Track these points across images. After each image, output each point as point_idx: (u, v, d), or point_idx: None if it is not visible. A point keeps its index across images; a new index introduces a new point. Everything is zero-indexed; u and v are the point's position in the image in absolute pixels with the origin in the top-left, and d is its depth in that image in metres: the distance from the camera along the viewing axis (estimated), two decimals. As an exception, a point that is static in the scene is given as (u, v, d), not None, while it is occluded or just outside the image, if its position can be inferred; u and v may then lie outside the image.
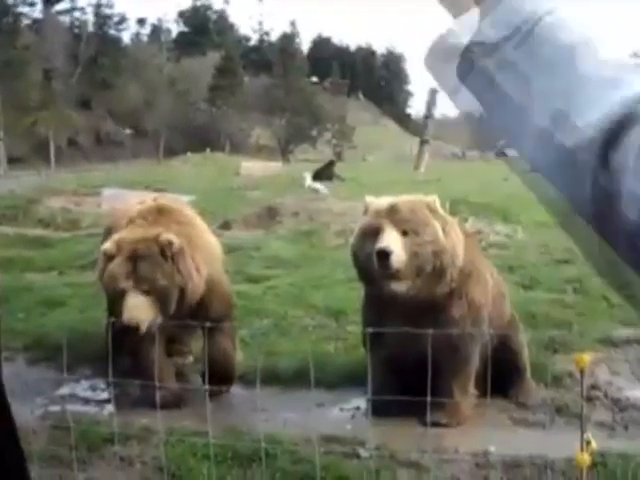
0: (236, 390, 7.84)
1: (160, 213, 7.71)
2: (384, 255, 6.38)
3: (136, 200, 8.79)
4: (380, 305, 6.97)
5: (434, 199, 6.90)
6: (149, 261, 7.09)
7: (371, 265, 6.53)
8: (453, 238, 6.77)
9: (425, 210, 6.76)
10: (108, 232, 8.19)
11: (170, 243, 7.14)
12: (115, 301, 7.20)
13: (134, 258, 7.07)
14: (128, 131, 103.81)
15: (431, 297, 6.72)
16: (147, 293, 7.03)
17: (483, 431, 6.79)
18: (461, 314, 6.93)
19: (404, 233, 6.56)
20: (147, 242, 7.18)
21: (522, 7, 1.18)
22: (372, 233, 6.62)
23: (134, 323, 6.90)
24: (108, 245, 7.22)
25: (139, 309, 6.96)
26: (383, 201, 6.91)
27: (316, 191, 26.67)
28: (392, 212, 6.66)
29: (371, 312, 7.20)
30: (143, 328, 6.94)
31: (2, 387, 1.48)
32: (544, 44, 1.13)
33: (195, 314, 7.21)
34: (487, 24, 1.20)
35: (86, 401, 7.78)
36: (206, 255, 7.62)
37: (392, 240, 6.45)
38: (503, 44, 1.17)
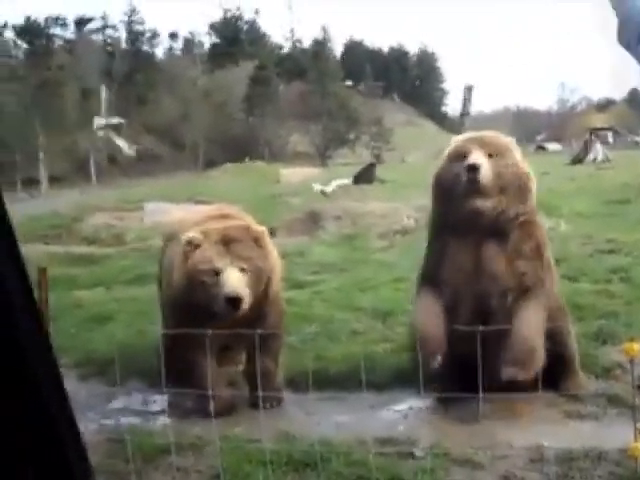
0: (287, 395, 7.85)
1: (226, 217, 7.74)
2: (473, 169, 6.82)
3: (180, 213, 8.82)
4: (452, 230, 7.21)
5: (513, 139, 7.56)
6: (243, 244, 7.12)
7: (457, 185, 6.97)
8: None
9: (506, 140, 7.36)
10: (169, 239, 8.16)
11: (263, 232, 7.31)
12: (202, 287, 7.03)
13: (226, 241, 7.08)
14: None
15: (511, 220, 7.01)
16: (243, 271, 7.02)
17: (535, 425, 6.76)
18: (529, 250, 7.15)
19: (489, 156, 6.98)
20: (238, 229, 7.25)
21: None
22: (460, 155, 7.05)
23: (236, 295, 6.85)
24: (192, 234, 7.14)
25: (240, 283, 6.93)
26: (470, 133, 7.61)
27: (324, 193, 26.66)
28: (478, 139, 7.18)
29: (438, 239, 7.42)
30: (244, 304, 6.93)
31: (66, 397, 1.51)
32: None
33: (250, 324, 7.07)
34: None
35: (139, 413, 7.83)
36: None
37: (480, 158, 6.89)
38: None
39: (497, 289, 7.02)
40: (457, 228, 7.11)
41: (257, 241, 7.24)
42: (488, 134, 7.40)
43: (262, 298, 7.38)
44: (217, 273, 6.94)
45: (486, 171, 6.88)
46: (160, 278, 8.46)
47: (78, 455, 1.45)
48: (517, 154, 7.24)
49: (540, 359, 6.83)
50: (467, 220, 6.99)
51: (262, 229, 7.40)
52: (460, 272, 7.07)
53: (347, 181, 26.42)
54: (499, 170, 6.96)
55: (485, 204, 6.90)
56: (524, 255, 7.09)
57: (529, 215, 7.17)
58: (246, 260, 7.05)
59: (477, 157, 6.91)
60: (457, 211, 7.04)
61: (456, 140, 7.49)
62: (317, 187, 28.43)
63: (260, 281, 7.20)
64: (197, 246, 7.08)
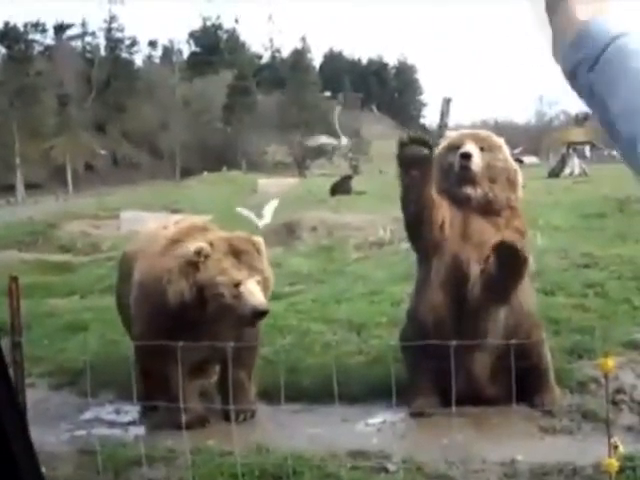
0: (260, 407, 7.82)
1: (203, 230, 7.71)
2: (466, 156, 7.42)
3: (154, 225, 8.75)
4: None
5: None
6: (251, 255, 7.16)
7: (450, 173, 7.55)
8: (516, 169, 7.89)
9: (497, 139, 7.97)
10: (131, 259, 8.06)
11: (262, 243, 7.38)
12: (218, 299, 6.98)
13: (235, 252, 7.07)
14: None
15: (501, 204, 7.60)
16: (258, 283, 7.04)
17: (510, 440, 6.76)
18: (518, 225, 7.73)
19: (481, 149, 7.58)
20: (242, 240, 7.29)
21: (597, 31, 1.33)
22: (455, 146, 7.63)
23: (265, 308, 6.90)
24: (202, 244, 7.05)
25: (262, 295, 6.95)
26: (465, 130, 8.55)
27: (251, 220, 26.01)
28: (472, 134, 7.90)
29: None
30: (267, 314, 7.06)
31: (23, 413, 1.48)
32: (614, 67, 1.23)
33: (227, 337, 7.04)
34: (566, 49, 1.34)
35: (111, 424, 7.78)
36: None
37: (472, 148, 7.50)
38: (578, 68, 1.29)
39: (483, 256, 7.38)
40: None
41: (259, 252, 7.29)
42: (481, 132, 8.17)
43: None
44: (237, 285, 6.90)
45: (477, 160, 7.47)
46: (122, 292, 8.27)
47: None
48: (506, 152, 7.86)
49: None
50: (459, 205, 7.52)
51: (261, 240, 7.45)
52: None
53: (275, 201, 25.68)
54: (490, 162, 7.56)
55: (476, 192, 7.46)
56: (512, 228, 7.56)
57: (517, 202, 7.73)
58: (258, 272, 7.11)
59: (470, 147, 7.51)
60: (450, 197, 7.53)
61: (452, 135, 8.26)
62: (248, 215, 26.70)
63: (268, 292, 7.30)
64: (206, 257, 6.99)
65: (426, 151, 7.12)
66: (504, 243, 6.95)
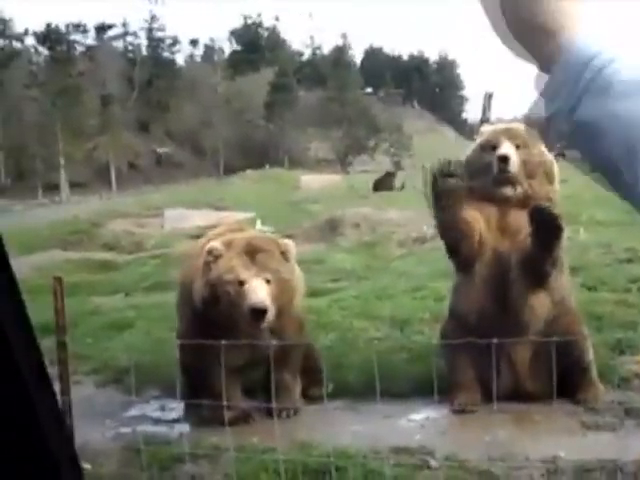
0: (304, 405, 7.85)
1: (239, 230, 7.88)
2: (504, 159, 7.38)
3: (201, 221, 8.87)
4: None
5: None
6: (269, 254, 7.12)
7: (486, 174, 7.49)
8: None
9: (531, 131, 7.50)
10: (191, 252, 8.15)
11: (290, 245, 7.37)
12: (226, 298, 6.99)
13: (251, 252, 7.05)
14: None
15: (541, 199, 7.35)
16: (268, 282, 6.98)
17: (552, 437, 6.74)
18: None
19: (517, 147, 7.53)
20: (265, 240, 7.37)
21: (573, 62, 1.14)
22: (490, 147, 7.60)
23: (262, 306, 6.79)
24: (215, 243, 7.14)
25: (264, 294, 6.86)
26: (499, 125, 8.36)
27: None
28: (507, 130, 7.72)
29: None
30: (269, 316, 6.87)
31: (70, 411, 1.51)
32: (598, 107, 1.11)
33: (270, 337, 7.17)
34: (542, 97, 1.20)
35: (156, 421, 7.84)
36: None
37: (510, 149, 7.46)
38: (557, 116, 1.17)
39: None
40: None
41: (284, 254, 7.23)
42: (515, 126, 7.91)
43: (285, 312, 7.32)
44: (242, 284, 6.91)
45: (515, 160, 7.42)
46: (181, 291, 8.36)
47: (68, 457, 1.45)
48: (541, 145, 7.62)
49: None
50: (497, 203, 7.54)
51: (289, 242, 7.47)
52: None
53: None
54: (526, 159, 7.50)
55: (515, 191, 7.46)
56: None
57: (555, 194, 7.61)
58: (272, 271, 7.03)
59: (507, 148, 7.46)
60: (487, 197, 7.52)
61: (486, 131, 8.02)
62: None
63: (284, 294, 7.14)
64: (218, 256, 7.03)
65: (456, 182, 7.15)
66: (538, 207, 6.89)
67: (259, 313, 6.80)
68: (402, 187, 39.35)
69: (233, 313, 6.94)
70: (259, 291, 6.83)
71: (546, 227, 6.84)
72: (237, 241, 7.18)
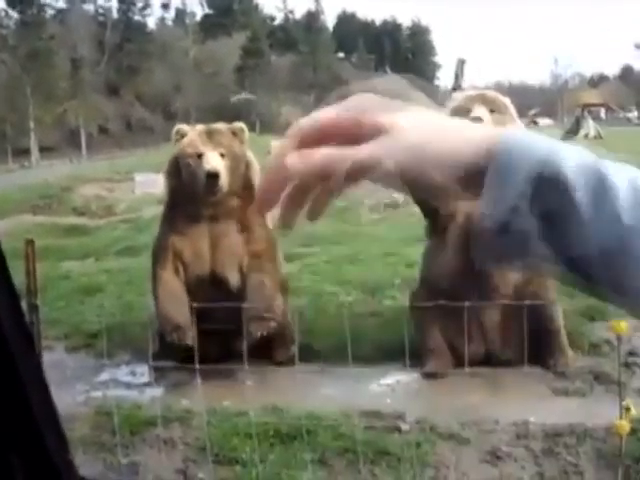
0: (275, 368, 7.87)
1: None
2: (477, 120, 7.24)
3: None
4: None
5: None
6: (225, 135, 8.06)
7: None
8: None
9: (504, 99, 8.02)
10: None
11: (242, 128, 8.21)
12: (187, 168, 7.90)
13: (209, 132, 8.03)
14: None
15: None
16: (222, 156, 7.90)
17: (522, 401, 6.80)
18: None
19: (491, 111, 7.66)
20: (222, 126, 8.23)
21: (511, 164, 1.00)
22: (464, 109, 7.63)
23: (214, 171, 7.68)
24: (181, 125, 8.34)
25: (218, 163, 7.78)
26: (471, 91, 8.57)
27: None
28: (480, 96, 7.91)
29: None
30: (222, 181, 7.76)
31: (43, 376, 1.51)
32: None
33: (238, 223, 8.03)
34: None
35: (127, 386, 7.84)
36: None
37: (483, 112, 7.58)
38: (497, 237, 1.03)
39: None
40: None
41: (235, 134, 8.14)
42: (488, 92, 8.17)
43: (244, 189, 7.97)
44: (199, 157, 7.84)
45: (489, 123, 7.29)
46: None
47: (57, 440, 1.45)
48: (513, 111, 7.91)
49: None
50: None
51: (242, 126, 8.27)
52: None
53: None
54: (499, 123, 7.39)
55: None
56: None
57: None
58: (226, 147, 7.97)
59: (480, 111, 7.58)
60: None
61: (458, 97, 8.24)
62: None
63: (238, 166, 8.00)
64: (183, 135, 8.07)
65: None
66: None
67: (213, 177, 7.69)
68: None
69: (192, 182, 7.84)
70: (212, 160, 7.78)
71: None
72: (199, 127, 8.26)
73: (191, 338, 7.30)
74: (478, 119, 7.37)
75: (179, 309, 7.60)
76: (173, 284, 7.89)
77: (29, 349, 1.37)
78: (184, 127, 8.26)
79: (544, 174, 0.98)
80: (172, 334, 7.48)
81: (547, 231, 0.99)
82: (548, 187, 0.98)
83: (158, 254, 8.08)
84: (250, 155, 8.25)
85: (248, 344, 6.75)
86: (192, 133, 8.07)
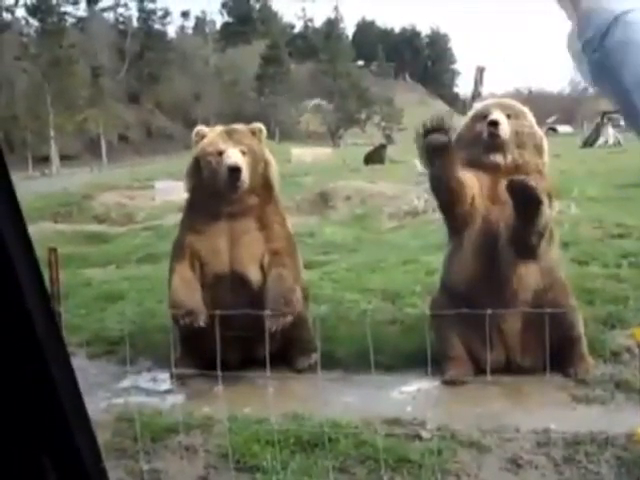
0: (296, 376, 7.88)
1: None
2: (494, 124, 7.48)
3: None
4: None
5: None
6: (244, 134, 8.26)
7: (478, 144, 7.62)
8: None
9: (522, 106, 8.05)
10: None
11: (260, 129, 8.40)
12: (208, 165, 8.03)
13: (229, 132, 8.21)
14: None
15: (531, 169, 7.56)
16: (243, 154, 8.01)
17: (543, 409, 6.79)
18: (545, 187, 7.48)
19: (508, 116, 7.65)
20: (240, 126, 8.44)
21: (600, 12, 1.30)
22: (482, 116, 7.71)
23: (236, 165, 7.82)
24: (201, 127, 8.56)
25: (239, 157, 7.92)
26: (490, 99, 8.63)
27: None
28: (498, 103, 7.98)
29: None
30: (244, 177, 7.92)
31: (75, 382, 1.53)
32: (622, 43, 1.20)
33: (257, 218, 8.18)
34: (573, 33, 1.31)
35: (148, 392, 7.86)
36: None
37: (500, 116, 7.57)
38: (585, 50, 1.26)
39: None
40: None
41: (254, 134, 8.33)
42: (506, 100, 8.28)
43: (263, 187, 8.23)
44: (220, 154, 7.97)
45: (505, 127, 7.52)
46: None
47: (89, 443, 1.47)
48: (532, 119, 7.88)
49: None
50: (488, 171, 7.60)
51: (260, 126, 8.47)
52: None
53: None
54: (517, 129, 7.60)
55: (505, 159, 7.56)
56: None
57: (544, 167, 7.74)
58: (246, 145, 8.11)
59: (497, 115, 7.56)
60: (478, 164, 7.60)
61: (477, 106, 8.21)
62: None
63: (257, 164, 8.15)
64: (203, 136, 8.23)
65: (445, 138, 7.16)
66: (514, 180, 6.87)
67: (235, 171, 7.82)
68: (396, 161, 39.27)
69: (213, 179, 7.97)
70: (233, 155, 7.91)
71: (524, 200, 6.85)
72: (218, 127, 8.46)
73: (203, 321, 7.46)
74: (494, 122, 7.48)
75: (191, 295, 7.78)
76: (186, 274, 7.97)
77: (62, 353, 1.39)
78: (204, 128, 8.45)
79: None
80: (184, 318, 7.54)
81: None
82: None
83: (176, 251, 8.22)
84: (269, 154, 8.39)
85: (270, 350, 6.76)
86: (212, 133, 8.23)
